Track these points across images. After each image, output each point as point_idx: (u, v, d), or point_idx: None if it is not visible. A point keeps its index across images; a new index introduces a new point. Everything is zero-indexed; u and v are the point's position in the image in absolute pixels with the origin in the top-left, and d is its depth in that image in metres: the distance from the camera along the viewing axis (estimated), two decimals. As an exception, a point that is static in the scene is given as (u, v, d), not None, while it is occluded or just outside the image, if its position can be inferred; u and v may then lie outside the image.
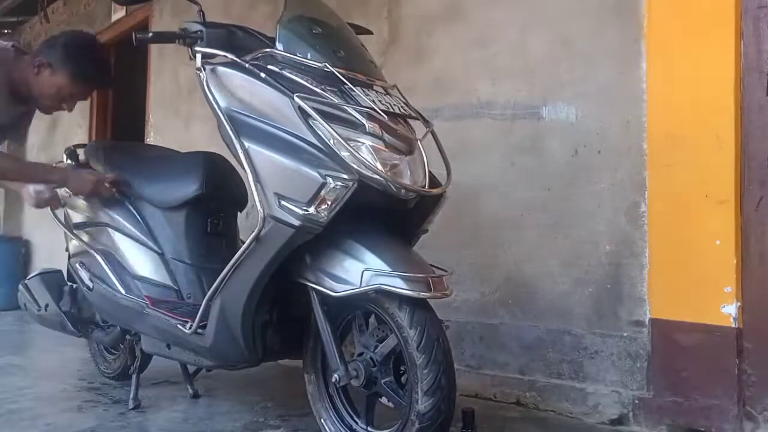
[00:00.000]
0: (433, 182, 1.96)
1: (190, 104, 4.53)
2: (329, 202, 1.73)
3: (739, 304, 2.15)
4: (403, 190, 1.83)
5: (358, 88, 1.85)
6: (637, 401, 2.32)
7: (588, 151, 2.51)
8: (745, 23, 2.18)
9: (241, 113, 1.90)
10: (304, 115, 1.80)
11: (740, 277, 2.15)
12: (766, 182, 2.14)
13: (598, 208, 2.47)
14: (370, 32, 2.37)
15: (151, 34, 2.19)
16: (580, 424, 2.41)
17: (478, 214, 2.81)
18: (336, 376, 1.86)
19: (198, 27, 1.99)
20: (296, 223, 1.75)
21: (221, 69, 1.95)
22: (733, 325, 2.14)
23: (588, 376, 2.47)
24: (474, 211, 2.82)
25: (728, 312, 2.15)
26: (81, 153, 2.95)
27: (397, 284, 1.73)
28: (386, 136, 1.83)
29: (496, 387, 2.69)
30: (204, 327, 2.05)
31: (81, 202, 2.77)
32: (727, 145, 2.17)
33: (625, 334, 2.38)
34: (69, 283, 2.90)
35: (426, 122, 2.06)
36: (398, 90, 2.04)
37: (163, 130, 4.93)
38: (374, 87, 1.95)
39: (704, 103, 2.21)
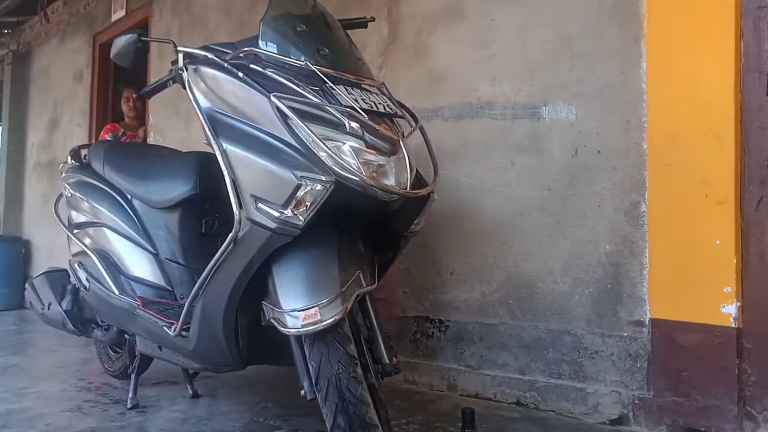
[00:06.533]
0: (420, 183, 1.90)
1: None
2: (307, 204, 1.68)
3: (739, 304, 2.15)
4: (383, 192, 1.74)
5: (341, 86, 1.78)
6: (637, 401, 2.32)
7: (588, 151, 2.51)
8: (745, 23, 2.18)
9: (221, 113, 1.86)
10: (283, 115, 1.74)
11: (740, 277, 2.15)
12: (766, 182, 2.14)
13: (598, 208, 2.47)
14: (365, 24, 2.28)
15: (149, 88, 2.20)
16: (580, 424, 2.41)
17: (478, 214, 2.81)
18: (302, 392, 1.78)
19: (180, 54, 1.97)
20: (272, 225, 1.70)
21: (203, 69, 1.92)
22: (733, 325, 2.14)
23: (588, 376, 2.47)
24: (474, 211, 2.82)
25: (728, 312, 2.15)
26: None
27: (282, 320, 1.71)
28: (367, 136, 1.75)
29: (496, 387, 2.69)
30: (188, 329, 2.03)
31: (83, 202, 2.77)
32: (727, 145, 2.17)
33: (625, 334, 2.38)
34: (72, 283, 2.91)
35: (414, 119, 2.00)
36: (386, 88, 1.98)
37: (164, 130, 4.93)
38: (362, 85, 1.88)
39: (704, 103, 2.21)
